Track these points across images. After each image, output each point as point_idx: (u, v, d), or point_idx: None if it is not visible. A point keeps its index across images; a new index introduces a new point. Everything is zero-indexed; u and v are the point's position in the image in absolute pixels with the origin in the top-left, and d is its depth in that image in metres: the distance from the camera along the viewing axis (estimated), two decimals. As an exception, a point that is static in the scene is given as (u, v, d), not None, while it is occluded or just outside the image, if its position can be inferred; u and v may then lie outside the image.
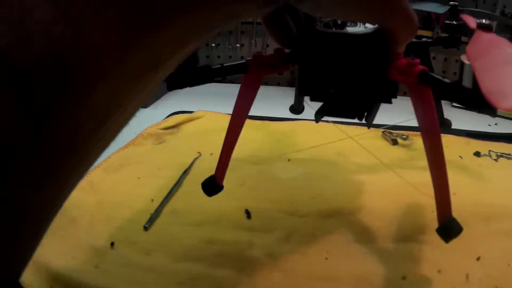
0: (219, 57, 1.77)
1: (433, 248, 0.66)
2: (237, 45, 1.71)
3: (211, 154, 0.94)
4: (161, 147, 1.04)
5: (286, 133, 0.96)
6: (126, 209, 0.75)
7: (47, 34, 0.22)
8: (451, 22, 0.80)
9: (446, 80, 0.49)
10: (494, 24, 0.48)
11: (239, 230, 0.70)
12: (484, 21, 0.50)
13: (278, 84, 1.70)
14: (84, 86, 0.25)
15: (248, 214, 0.75)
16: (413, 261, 0.64)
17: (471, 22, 0.58)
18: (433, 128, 0.54)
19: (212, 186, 0.64)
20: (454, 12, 0.84)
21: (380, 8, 0.44)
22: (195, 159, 0.94)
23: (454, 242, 0.56)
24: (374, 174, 0.87)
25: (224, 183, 0.74)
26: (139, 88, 0.29)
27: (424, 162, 0.55)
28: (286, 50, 0.59)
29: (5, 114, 0.21)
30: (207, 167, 0.76)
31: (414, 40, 0.68)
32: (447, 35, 0.81)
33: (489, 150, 0.95)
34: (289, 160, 0.94)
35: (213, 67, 0.56)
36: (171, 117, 1.17)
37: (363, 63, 0.57)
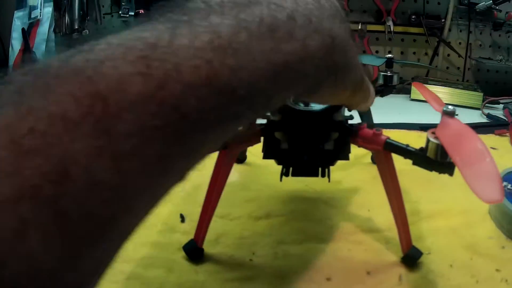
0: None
1: (365, 249, 0.73)
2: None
3: None
4: None
5: None
6: None
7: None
8: (386, 73, 0.87)
9: (411, 149, 0.59)
10: (455, 110, 0.55)
11: (172, 233, 0.75)
12: (449, 108, 0.55)
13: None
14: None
15: (182, 218, 0.80)
16: (341, 262, 0.70)
17: (436, 105, 0.65)
18: (396, 185, 0.65)
19: (195, 252, 0.70)
20: (389, 64, 0.89)
21: (357, 102, 0.52)
22: None
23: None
24: (310, 184, 0.93)
25: None
26: None
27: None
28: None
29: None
30: None
31: None
32: (382, 85, 0.89)
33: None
34: None
35: None
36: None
37: (329, 134, 0.65)
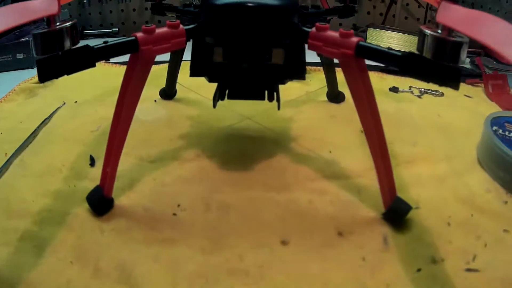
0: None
1: (331, 200, 0.61)
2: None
3: (75, 102, 0.91)
4: (31, 100, 0.98)
5: (160, 74, 0.86)
6: None
7: None
8: None
9: (397, 52, 0.47)
10: None
11: (77, 180, 0.64)
12: None
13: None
14: None
15: (92, 161, 0.69)
16: (300, 218, 0.57)
17: None
18: (373, 104, 0.51)
19: (101, 203, 0.57)
20: None
21: None
22: (58, 108, 0.88)
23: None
24: (252, 117, 0.82)
25: (78, 130, 0.75)
26: None
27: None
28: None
29: None
30: (67, 115, 0.84)
31: (311, 10, 0.73)
32: (341, 4, 0.79)
33: (410, 86, 0.93)
34: (155, 101, 0.91)
35: (94, 47, 0.47)
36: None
37: (276, 36, 0.55)
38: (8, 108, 0.93)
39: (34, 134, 0.78)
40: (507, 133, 0.71)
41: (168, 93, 0.90)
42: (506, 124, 0.74)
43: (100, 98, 0.90)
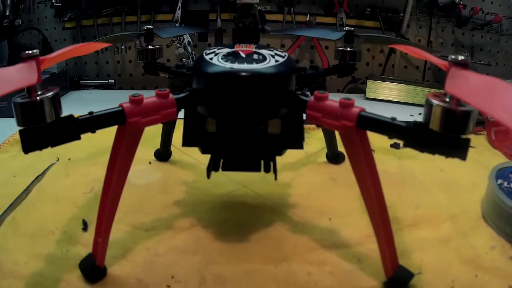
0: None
1: (330, 271, 0.59)
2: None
3: (69, 159, 0.91)
4: None
5: (155, 134, 0.87)
6: None
7: None
8: (345, 49, 0.74)
9: (401, 124, 0.45)
10: (469, 58, 0.41)
11: (70, 245, 0.64)
12: (459, 57, 0.43)
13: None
14: None
15: (85, 225, 0.68)
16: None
17: (436, 59, 0.54)
18: (375, 175, 0.50)
19: (93, 272, 0.56)
20: (349, 38, 0.78)
21: None
22: (51, 164, 0.88)
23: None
24: (249, 185, 0.81)
25: (71, 191, 0.76)
26: None
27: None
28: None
29: None
30: (61, 173, 0.85)
31: (309, 71, 0.71)
32: (340, 63, 0.78)
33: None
34: (150, 163, 0.91)
35: (79, 118, 0.46)
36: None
37: (272, 107, 0.53)
38: (1, 159, 0.93)
39: (27, 190, 0.77)
40: None
41: (163, 154, 0.90)
42: (510, 176, 0.73)
43: (93, 156, 0.91)
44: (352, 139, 0.48)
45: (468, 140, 0.41)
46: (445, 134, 0.41)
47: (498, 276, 0.58)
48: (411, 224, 0.69)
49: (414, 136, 0.43)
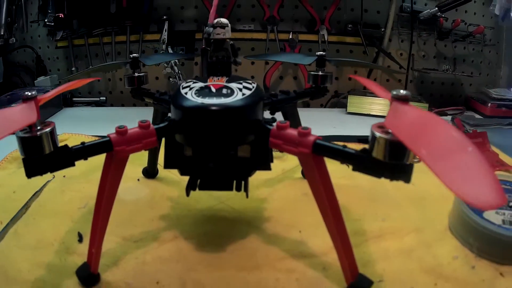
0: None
1: (297, 278, 0.63)
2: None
3: (64, 176, 0.96)
4: (23, 170, 0.99)
5: (144, 153, 0.90)
6: None
7: None
8: (317, 73, 0.79)
9: (350, 151, 0.49)
10: (409, 94, 0.45)
11: (67, 255, 0.68)
12: (401, 92, 0.46)
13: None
14: None
15: (80, 237, 0.72)
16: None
17: (380, 91, 0.57)
18: (331, 195, 0.54)
19: (88, 278, 0.61)
20: (321, 62, 0.83)
21: None
22: (48, 181, 0.93)
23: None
24: (227, 201, 0.85)
25: (67, 206, 0.79)
26: None
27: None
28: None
29: None
30: (57, 189, 0.90)
31: (280, 96, 0.76)
32: (313, 86, 0.82)
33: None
34: (138, 180, 0.96)
35: (73, 148, 0.52)
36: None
37: (240, 135, 0.57)
38: (1, 176, 0.98)
39: (26, 206, 0.82)
40: None
41: (150, 172, 0.95)
42: None
43: (86, 174, 0.95)
44: (309, 164, 0.52)
45: (411, 165, 0.45)
46: (386, 162, 0.45)
47: (458, 285, 0.60)
48: (376, 236, 0.72)
49: (361, 162, 0.47)
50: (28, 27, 1.75)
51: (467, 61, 1.79)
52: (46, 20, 1.69)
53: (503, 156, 1.10)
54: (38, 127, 0.49)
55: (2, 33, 1.63)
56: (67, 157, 0.51)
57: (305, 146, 0.51)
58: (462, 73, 1.76)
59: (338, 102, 1.80)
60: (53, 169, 0.51)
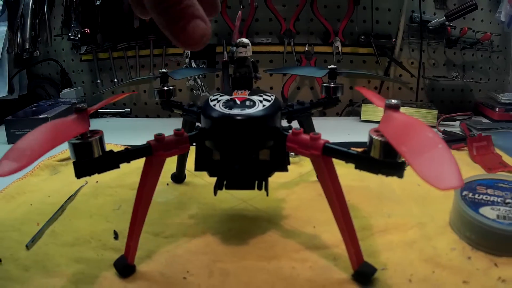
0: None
1: (310, 266, 0.68)
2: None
3: (96, 182, 1.01)
4: (55, 177, 1.08)
5: (172, 160, 0.95)
6: (16, 231, 0.79)
7: None
8: (329, 85, 0.85)
9: (353, 152, 0.55)
10: (400, 103, 0.51)
11: (104, 250, 0.73)
12: (393, 101, 0.53)
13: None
14: None
15: (116, 235, 0.77)
16: (284, 280, 0.65)
17: (377, 101, 0.62)
18: (339, 192, 0.59)
19: (126, 268, 0.66)
20: (332, 75, 0.87)
21: None
22: (81, 186, 0.98)
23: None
24: (249, 201, 0.91)
25: (101, 208, 0.84)
26: None
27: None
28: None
29: None
30: (90, 194, 0.95)
31: (297, 106, 0.78)
32: (325, 97, 0.88)
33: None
34: (167, 184, 1.01)
35: (118, 152, 0.58)
36: (67, 149, 1.20)
37: (261, 141, 0.63)
38: (34, 183, 1.03)
39: (62, 208, 0.87)
40: (476, 195, 0.76)
41: (178, 177, 1.01)
42: (477, 187, 0.79)
43: (118, 179, 1.00)
44: (320, 164, 0.58)
45: (403, 162, 0.50)
46: (381, 160, 0.51)
47: (454, 273, 0.64)
48: (382, 230, 0.77)
49: (362, 161, 0.53)
50: (52, 40, 1.79)
51: (475, 67, 1.82)
52: (70, 35, 1.73)
53: (506, 158, 1.13)
54: (89, 135, 0.55)
55: (27, 47, 1.68)
56: (113, 160, 0.57)
57: (316, 149, 0.57)
58: (471, 79, 1.80)
59: (353, 110, 1.83)
60: (101, 170, 0.56)
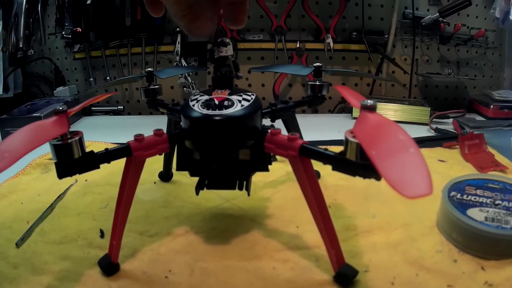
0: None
1: (291, 267, 0.68)
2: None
3: (86, 180, 1.02)
4: (46, 175, 1.09)
5: (159, 159, 0.95)
6: (6, 229, 0.80)
7: None
8: (314, 83, 0.85)
9: (330, 153, 0.55)
10: (376, 103, 0.50)
11: (90, 248, 0.74)
12: (368, 102, 0.51)
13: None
14: None
15: (102, 233, 0.78)
16: (264, 281, 0.65)
17: (353, 100, 0.61)
18: (317, 193, 0.60)
19: (109, 267, 0.67)
20: (318, 73, 0.88)
21: None
22: (71, 185, 1.00)
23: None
24: (234, 200, 0.91)
25: (89, 206, 0.85)
26: None
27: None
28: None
29: None
30: (79, 192, 0.98)
31: (281, 105, 0.83)
32: (310, 95, 0.88)
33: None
34: (155, 182, 1.02)
35: (98, 153, 0.59)
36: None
37: (240, 140, 0.63)
38: (26, 181, 1.05)
39: (51, 207, 0.88)
40: (464, 196, 0.76)
41: (165, 176, 1.02)
42: (466, 188, 0.79)
43: (107, 178, 1.00)
44: (297, 165, 0.58)
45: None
46: (358, 162, 0.50)
47: (439, 276, 0.63)
48: (366, 231, 0.77)
49: (339, 163, 0.53)
50: (46, 39, 1.80)
51: (470, 64, 1.82)
52: (63, 33, 1.74)
53: (499, 157, 1.13)
54: (69, 136, 0.56)
55: (21, 46, 1.69)
56: (93, 161, 0.58)
57: (293, 150, 0.57)
58: (466, 76, 1.80)
59: (345, 107, 1.84)
60: (82, 171, 0.57)
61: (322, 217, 0.60)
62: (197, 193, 0.68)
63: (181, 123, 0.66)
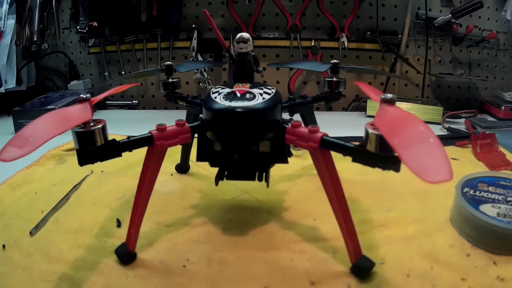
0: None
1: (309, 258, 0.69)
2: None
3: (102, 171, 1.03)
4: (61, 166, 1.09)
5: (176, 151, 0.95)
6: (20, 219, 0.80)
7: None
8: (331, 79, 0.85)
9: (350, 145, 0.55)
10: (395, 97, 0.51)
11: (106, 238, 0.75)
12: (388, 96, 0.53)
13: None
14: None
15: (118, 223, 0.79)
16: (281, 271, 0.66)
17: (374, 95, 0.63)
18: (337, 185, 0.60)
19: (127, 256, 0.67)
20: (335, 70, 0.89)
21: None
22: (86, 176, 1.00)
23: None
24: (251, 192, 0.92)
25: (106, 197, 0.85)
26: None
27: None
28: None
29: None
30: (95, 183, 0.98)
31: (298, 100, 0.84)
32: (327, 91, 0.88)
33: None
34: (172, 174, 1.02)
35: (120, 141, 0.59)
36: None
37: (261, 132, 0.64)
38: (40, 172, 1.05)
39: (66, 197, 0.89)
40: (477, 193, 0.76)
41: (182, 168, 1.02)
42: (479, 184, 0.79)
43: (123, 169, 1.01)
44: (318, 157, 0.58)
45: (397, 157, 0.49)
46: (377, 153, 0.50)
47: (452, 269, 0.64)
48: (381, 225, 0.77)
49: (358, 154, 0.53)
50: (60, 33, 1.80)
51: (482, 65, 1.81)
52: (78, 28, 1.75)
53: (510, 156, 1.13)
54: (91, 124, 0.56)
55: (35, 39, 1.69)
56: (115, 148, 0.58)
57: (313, 141, 0.58)
58: (477, 77, 1.80)
59: (359, 105, 1.84)
60: (103, 158, 0.57)
61: (341, 208, 0.60)
62: (216, 184, 0.69)
63: (201, 115, 0.67)
